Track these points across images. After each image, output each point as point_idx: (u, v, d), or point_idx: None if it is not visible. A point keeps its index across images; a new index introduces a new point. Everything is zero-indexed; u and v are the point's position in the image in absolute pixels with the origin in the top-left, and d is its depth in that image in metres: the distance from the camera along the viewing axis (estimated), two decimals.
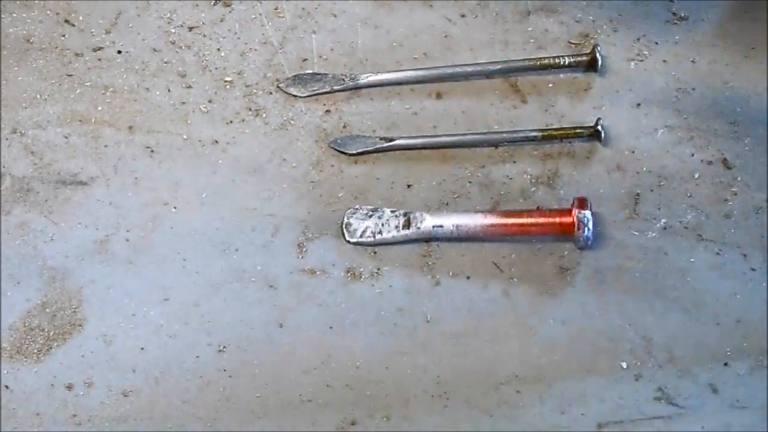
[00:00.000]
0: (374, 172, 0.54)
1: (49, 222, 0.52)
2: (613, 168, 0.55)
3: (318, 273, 0.52)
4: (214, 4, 0.58)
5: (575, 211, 0.51)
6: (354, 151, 0.54)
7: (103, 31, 0.57)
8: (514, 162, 0.55)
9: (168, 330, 0.50)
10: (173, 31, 0.57)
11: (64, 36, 0.57)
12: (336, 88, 0.56)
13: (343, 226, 0.53)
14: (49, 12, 0.57)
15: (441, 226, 0.52)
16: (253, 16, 0.58)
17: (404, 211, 0.53)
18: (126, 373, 0.49)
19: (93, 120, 0.55)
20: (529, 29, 0.58)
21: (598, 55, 0.56)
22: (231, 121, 0.55)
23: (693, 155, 0.56)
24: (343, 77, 0.56)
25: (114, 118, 0.55)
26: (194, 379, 0.49)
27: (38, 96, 0.55)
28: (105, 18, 0.57)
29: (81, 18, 0.57)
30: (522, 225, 0.52)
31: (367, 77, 0.56)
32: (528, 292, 0.52)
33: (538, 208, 0.53)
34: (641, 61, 0.58)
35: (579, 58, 0.56)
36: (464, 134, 0.55)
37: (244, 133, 0.55)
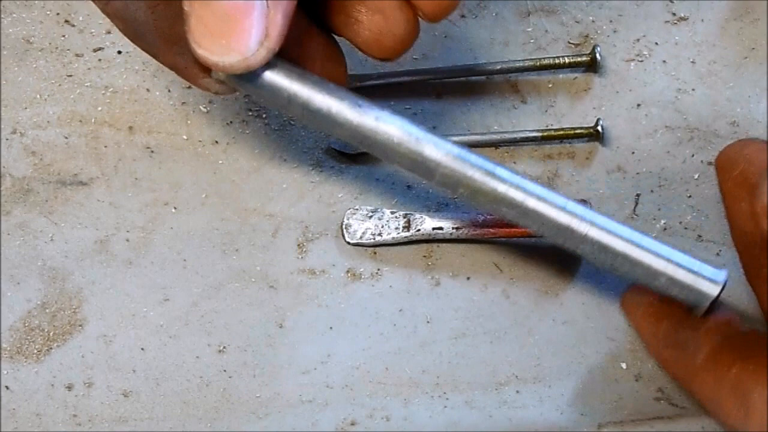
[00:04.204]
0: (374, 173, 0.55)
1: (49, 222, 0.52)
2: (614, 168, 0.55)
3: (318, 273, 0.52)
4: None
5: None
6: (354, 151, 0.54)
7: (103, 31, 0.57)
8: (514, 162, 0.55)
9: (168, 330, 0.50)
10: None
11: (64, 36, 0.57)
12: None
13: (343, 226, 0.53)
14: (49, 12, 0.57)
15: (441, 228, 0.52)
16: None
17: (404, 213, 0.53)
18: (126, 373, 0.49)
19: (93, 120, 0.55)
20: (529, 29, 0.58)
21: (598, 55, 0.56)
22: (231, 122, 0.55)
23: (693, 155, 0.56)
24: None
25: (114, 118, 0.55)
26: (194, 379, 0.49)
27: (38, 96, 0.55)
28: (105, 18, 0.57)
29: (81, 18, 0.57)
30: (522, 227, 0.52)
31: (368, 77, 0.56)
32: (528, 292, 0.52)
33: None
34: (641, 61, 0.58)
35: (579, 59, 0.56)
36: (464, 134, 0.55)
37: (245, 134, 0.55)
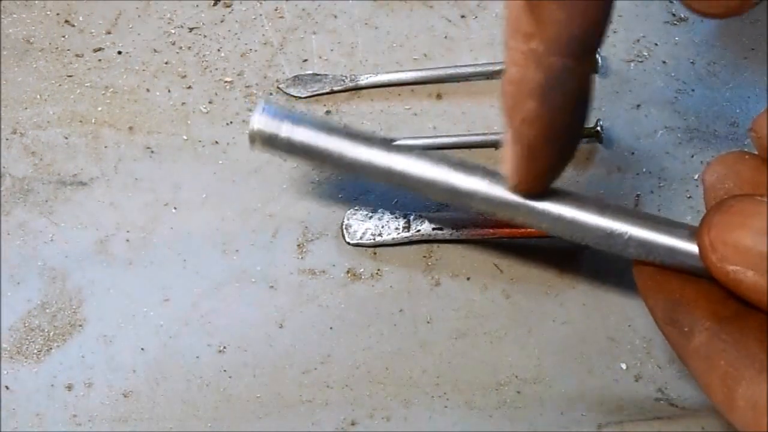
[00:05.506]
0: None
1: (49, 222, 0.52)
2: (613, 169, 0.55)
3: (318, 273, 0.52)
4: (214, 5, 0.58)
5: None
6: None
7: (104, 32, 0.57)
8: None
9: (168, 330, 0.50)
10: (173, 31, 0.57)
11: (64, 36, 0.57)
12: (336, 88, 0.56)
13: (343, 227, 0.53)
14: (49, 12, 0.57)
15: (441, 228, 0.52)
16: (254, 17, 0.58)
17: (404, 213, 0.53)
18: (126, 373, 0.49)
19: (93, 120, 0.55)
20: None
21: (598, 56, 0.56)
22: (231, 122, 0.55)
23: (693, 156, 0.56)
24: (343, 78, 0.56)
25: (114, 119, 0.55)
26: (194, 379, 0.49)
27: (38, 96, 0.55)
28: (105, 18, 0.57)
29: (81, 18, 0.57)
30: (522, 227, 0.52)
31: (367, 78, 0.56)
32: (528, 292, 0.52)
33: None
34: (641, 62, 0.58)
35: None
36: (464, 135, 0.55)
37: (245, 134, 0.55)
